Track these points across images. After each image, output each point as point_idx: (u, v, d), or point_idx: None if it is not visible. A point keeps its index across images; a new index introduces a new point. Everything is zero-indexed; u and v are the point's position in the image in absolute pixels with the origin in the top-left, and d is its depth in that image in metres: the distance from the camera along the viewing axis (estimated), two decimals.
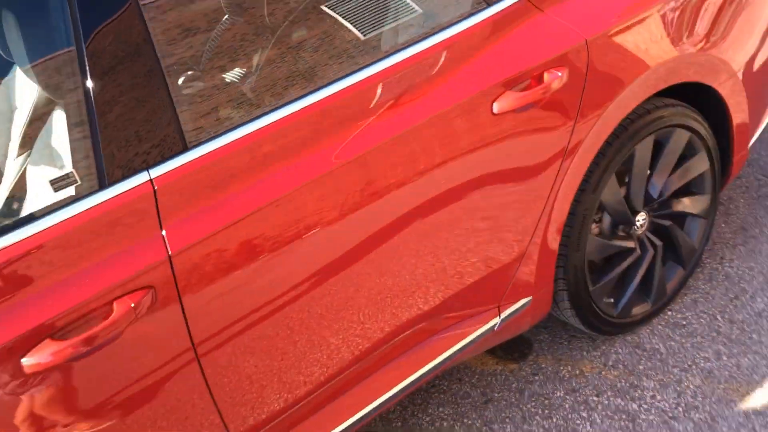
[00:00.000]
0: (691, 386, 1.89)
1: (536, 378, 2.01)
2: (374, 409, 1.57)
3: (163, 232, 1.20)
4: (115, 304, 1.15)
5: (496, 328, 1.74)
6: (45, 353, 1.11)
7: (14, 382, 1.10)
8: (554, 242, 1.75)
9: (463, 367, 2.08)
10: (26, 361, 1.10)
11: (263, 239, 1.28)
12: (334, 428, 1.51)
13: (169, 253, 1.20)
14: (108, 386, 1.19)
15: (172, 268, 1.20)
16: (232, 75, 1.41)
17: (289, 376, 1.42)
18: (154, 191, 1.21)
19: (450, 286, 1.62)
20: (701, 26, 1.80)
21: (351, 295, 1.44)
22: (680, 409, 1.84)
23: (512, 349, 2.12)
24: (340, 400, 1.52)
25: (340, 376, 1.50)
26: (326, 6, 1.47)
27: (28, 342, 1.10)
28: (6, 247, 1.10)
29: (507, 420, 1.91)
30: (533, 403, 1.94)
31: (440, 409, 1.98)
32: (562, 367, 2.03)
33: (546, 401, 1.94)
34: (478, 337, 1.71)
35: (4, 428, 1.11)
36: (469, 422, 1.92)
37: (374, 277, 1.45)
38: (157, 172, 1.22)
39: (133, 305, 1.15)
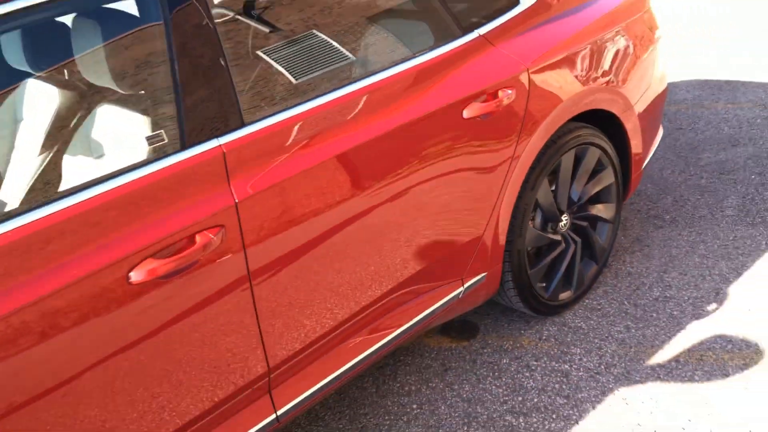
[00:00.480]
0: (609, 351, 2.35)
1: (485, 351, 2.42)
2: (375, 351, 1.92)
3: (231, 186, 1.55)
4: (196, 237, 1.47)
5: (461, 296, 2.14)
6: (146, 269, 1.41)
7: (123, 290, 1.39)
8: (503, 229, 2.20)
9: (423, 345, 2.45)
10: (133, 275, 1.40)
11: (298, 197, 1.64)
12: (346, 363, 1.85)
13: (236, 200, 1.54)
14: (181, 302, 1.49)
15: (237, 212, 1.54)
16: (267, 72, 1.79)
17: (313, 314, 1.76)
18: (224, 154, 1.56)
19: (426, 259, 2.02)
20: (608, 69, 2.37)
21: (361, 252, 1.81)
22: (602, 366, 2.29)
23: (463, 330, 2.52)
24: (347, 342, 1.87)
25: (350, 321, 1.85)
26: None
27: (135, 259, 1.40)
28: (122, 185, 1.41)
29: (465, 382, 2.29)
30: (485, 369, 2.33)
31: (407, 377, 2.33)
32: (504, 342, 2.45)
33: (495, 366, 2.34)
34: (448, 301, 2.10)
35: (111, 330, 1.39)
36: (433, 385, 2.29)
37: (374, 236, 1.83)
38: (225, 139, 1.57)
39: (212, 236, 1.48)
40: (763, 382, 2.12)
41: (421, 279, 2.03)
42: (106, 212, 1.39)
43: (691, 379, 2.18)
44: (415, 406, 2.21)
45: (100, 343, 1.38)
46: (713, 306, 2.50)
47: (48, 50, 1.72)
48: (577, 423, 2.07)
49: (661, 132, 2.96)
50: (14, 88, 1.82)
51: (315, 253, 1.70)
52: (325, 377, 1.83)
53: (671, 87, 4.62)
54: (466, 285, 2.16)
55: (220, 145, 1.56)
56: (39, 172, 1.66)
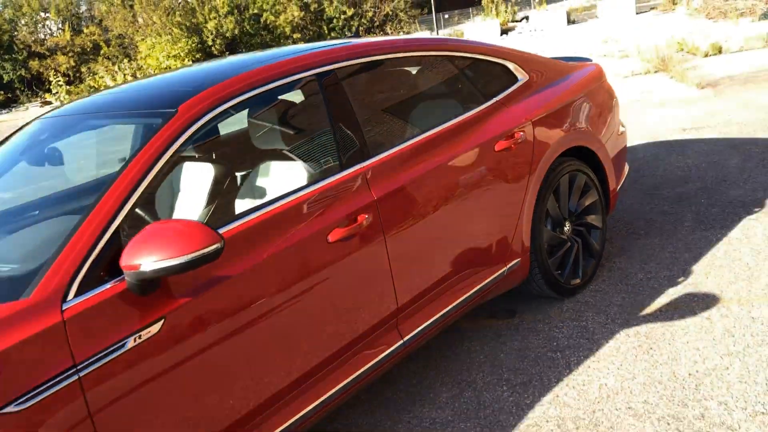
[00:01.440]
0: (612, 311, 3.30)
1: (523, 323, 3.36)
2: (462, 302, 2.88)
3: (371, 190, 2.57)
4: (357, 217, 2.48)
5: (505, 274, 3.12)
6: (337, 233, 2.39)
7: (324, 246, 2.37)
8: (527, 229, 3.22)
9: (478, 326, 3.38)
10: (329, 237, 2.39)
11: (408, 198, 2.66)
12: (444, 308, 2.80)
13: (374, 198, 2.56)
14: (353, 255, 2.46)
15: (377, 205, 2.55)
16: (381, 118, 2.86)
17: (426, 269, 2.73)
18: (364, 173, 2.59)
19: (484, 244, 3.02)
20: (581, 120, 3.49)
21: (447, 234, 2.82)
22: (609, 319, 3.23)
23: (504, 314, 3.47)
24: (445, 294, 2.83)
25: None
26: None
27: (331, 228, 2.39)
28: (314, 190, 2.42)
29: (513, 340, 3.21)
30: (525, 332, 3.26)
31: (472, 343, 3.25)
32: (536, 316, 3.39)
33: (533, 330, 3.27)
34: (498, 276, 3.08)
35: (314, 268, 2.35)
36: (492, 344, 3.21)
37: (433, 247, 2.83)
38: (365, 163, 2.61)
39: (366, 217, 2.49)
40: (721, 316, 3.09)
41: (483, 259, 3.02)
42: (308, 204, 2.39)
43: (671, 319, 3.14)
44: (482, 357, 3.12)
45: (307, 278, 2.33)
46: (681, 278, 3.49)
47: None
48: (596, 351, 2.99)
49: (627, 168, 4.07)
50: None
51: (420, 232, 2.70)
52: (433, 316, 2.77)
53: (633, 148, 5.80)
54: (508, 266, 3.14)
55: (362, 167, 2.59)
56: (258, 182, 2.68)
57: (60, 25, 32.99)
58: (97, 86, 29.36)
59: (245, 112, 2.79)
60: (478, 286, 2.99)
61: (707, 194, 4.60)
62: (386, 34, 30.01)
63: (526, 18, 29.18)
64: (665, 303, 3.29)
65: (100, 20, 32.54)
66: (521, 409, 2.68)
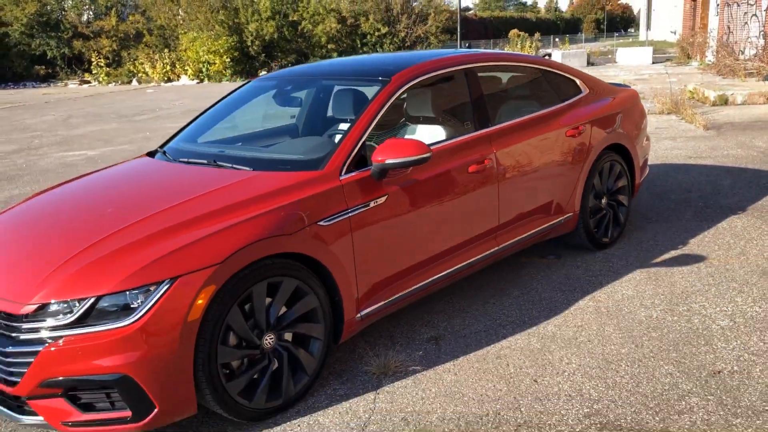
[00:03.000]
0: (632, 259, 4.74)
1: (564, 263, 4.79)
2: (534, 234, 4.31)
3: (492, 146, 4.00)
4: (485, 161, 3.92)
5: (561, 222, 4.56)
6: (473, 168, 3.83)
7: (466, 175, 3.80)
8: (579, 193, 4.65)
9: (534, 262, 4.81)
10: (470, 168, 3.83)
11: (510, 155, 4.10)
12: (523, 234, 4.23)
13: (494, 152, 4.00)
14: (480, 184, 3.89)
15: (495, 155, 3.99)
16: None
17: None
18: (489, 134, 4.03)
19: (550, 200, 4.45)
20: (620, 126, 4.95)
21: (529, 187, 4.25)
22: (634, 265, 4.67)
23: (555, 257, 4.90)
24: (523, 225, 4.26)
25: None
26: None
27: (469, 164, 3.82)
28: (460, 140, 3.86)
29: (559, 273, 4.64)
30: (565, 268, 4.70)
31: (531, 269, 4.68)
32: (573, 260, 4.82)
33: (568, 268, 4.71)
34: (561, 220, 4.51)
35: (461, 186, 3.78)
36: (540, 276, 4.63)
37: (524, 190, 4.26)
38: (489, 129, 4.06)
39: (490, 160, 3.93)
40: (705, 266, 4.51)
41: (550, 208, 4.46)
42: (460, 147, 3.82)
43: (671, 266, 4.57)
44: (540, 275, 4.54)
45: (456, 190, 3.76)
46: (681, 246, 4.92)
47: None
48: (620, 278, 4.39)
49: (647, 170, 5.53)
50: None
51: (517, 179, 4.11)
52: (517, 237, 4.20)
53: (649, 166, 7.26)
54: (564, 217, 4.57)
55: (487, 130, 4.03)
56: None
57: (106, 11, 34.52)
58: (136, 71, 30.91)
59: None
60: (545, 225, 4.42)
61: (704, 200, 6.07)
62: None
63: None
64: (668, 257, 4.73)
65: (144, 10, 34.15)
66: (569, 302, 4.09)
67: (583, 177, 4.63)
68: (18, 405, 2.77)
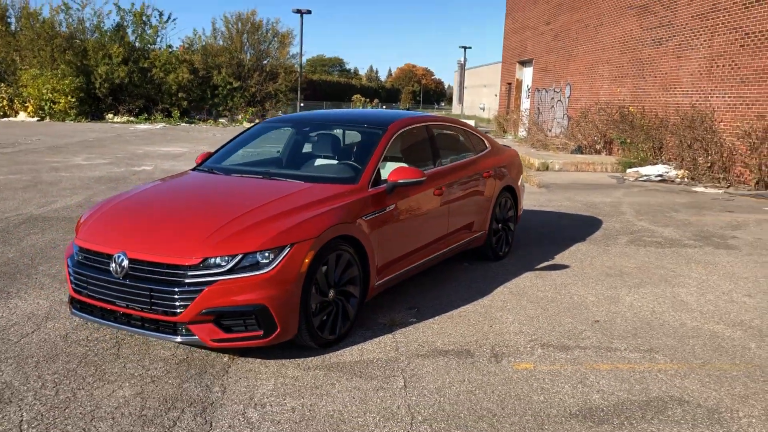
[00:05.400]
0: (519, 266, 6.76)
1: (477, 266, 6.69)
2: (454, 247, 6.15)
3: (443, 179, 5.83)
4: (441, 187, 5.72)
5: (478, 236, 6.46)
6: (437, 192, 5.62)
7: (432, 197, 5.57)
8: (489, 218, 6.59)
9: (456, 268, 6.65)
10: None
11: (452, 187, 5.94)
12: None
13: (444, 183, 5.82)
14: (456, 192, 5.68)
15: (443, 186, 5.82)
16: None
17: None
18: (437, 171, 5.86)
19: (473, 219, 6.33)
20: (509, 172, 7.04)
21: (453, 213, 6.11)
22: (522, 268, 6.67)
23: (473, 261, 6.79)
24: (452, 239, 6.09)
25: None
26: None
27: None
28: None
29: (478, 269, 6.53)
30: (483, 269, 6.60)
31: (458, 272, 6.51)
32: (484, 265, 6.75)
33: (485, 269, 6.61)
34: (475, 237, 6.40)
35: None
36: (466, 272, 6.49)
37: (459, 212, 6.13)
38: (436, 168, 5.89)
39: (442, 190, 5.74)
40: (566, 270, 6.63)
41: (472, 224, 6.34)
42: (430, 178, 5.58)
43: (547, 270, 6.62)
44: (463, 275, 6.37)
45: (430, 207, 5.50)
46: (549, 260, 7.03)
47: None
48: (514, 275, 6.35)
49: (522, 206, 7.67)
50: None
51: (454, 202, 5.95)
52: (455, 243, 6.01)
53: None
54: (480, 232, 6.48)
55: (440, 168, 5.85)
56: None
57: None
58: None
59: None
60: (469, 238, 6.28)
61: (554, 233, 8.34)
62: (265, 109, 33.28)
63: None
64: (544, 265, 6.78)
65: None
66: (491, 289, 5.93)
67: (491, 206, 6.60)
68: (173, 329, 4.02)
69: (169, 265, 3.98)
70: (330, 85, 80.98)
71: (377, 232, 4.79)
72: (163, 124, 30.14)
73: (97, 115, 30.52)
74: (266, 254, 4.01)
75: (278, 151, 6.28)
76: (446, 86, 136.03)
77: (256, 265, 3.99)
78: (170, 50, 31.83)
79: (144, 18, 31.12)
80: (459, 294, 5.71)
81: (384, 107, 37.05)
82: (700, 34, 15.41)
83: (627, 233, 8.49)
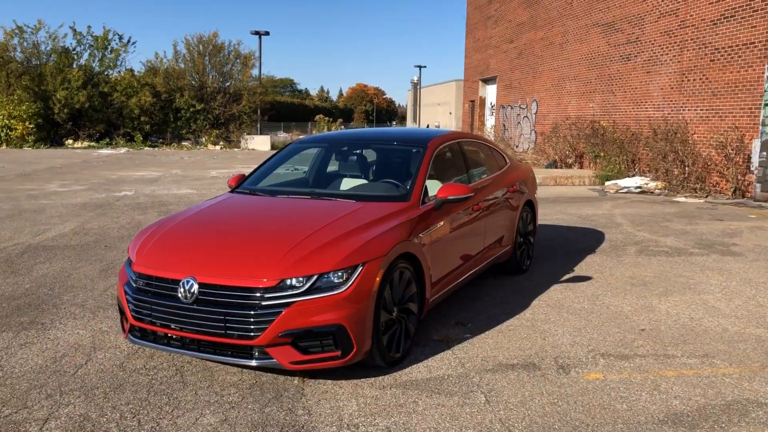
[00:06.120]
0: (547, 277, 6.84)
1: (512, 282, 6.76)
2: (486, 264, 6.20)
3: (478, 195, 5.89)
4: (479, 203, 5.77)
5: (507, 250, 6.53)
6: (476, 207, 5.67)
7: (494, 203, 5.62)
8: (515, 233, 6.69)
9: (491, 281, 6.70)
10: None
11: (486, 203, 6.01)
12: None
13: (480, 198, 5.88)
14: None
15: (480, 201, 5.87)
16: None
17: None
18: (475, 187, 5.91)
19: (503, 233, 6.40)
20: (528, 187, 7.16)
21: (484, 229, 6.18)
22: (549, 281, 6.75)
23: (507, 275, 6.85)
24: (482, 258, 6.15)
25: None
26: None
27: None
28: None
29: (507, 284, 6.59)
30: (516, 282, 6.66)
31: (487, 287, 6.55)
32: (512, 281, 6.81)
33: (515, 282, 6.68)
34: (505, 252, 6.47)
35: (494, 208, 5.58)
36: (506, 283, 6.54)
37: (493, 226, 6.19)
38: (471, 184, 5.95)
39: (480, 206, 5.79)
40: (590, 281, 6.74)
41: (502, 240, 6.40)
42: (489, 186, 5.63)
43: (571, 282, 6.72)
44: (502, 283, 6.42)
45: (471, 222, 5.54)
46: (571, 272, 7.15)
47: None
48: (543, 287, 6.42)
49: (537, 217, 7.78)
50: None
51: (488, 217, 6.02)
52: (489, 258, 6.06)
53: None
54: (507, 247, 6.56)
55: (475, 183, 5.91)
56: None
57: None
58: None
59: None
60: (499, 252, 6.35)
61: (565, 247, 8.47)
62: (229, 131, 32.99)
63: None
64: (568, 278, 6.88)
65: None
66: (527, 303, 5.97)
67: (516, 220, 6.68)
68: (248, 354, 3.94)
69: (244, 288, 3.91)
70: (284, 105, 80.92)
71: (429, 248, 4.80)
72: (126, 148, 29.58)
73: (56, 141, 29.78)
74: (340, 274, 3.99)
75: (305, 172, 6.24)
76: (398, 105, 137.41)
77: (332, 285, 3.96)
78: (132, 73, 31.35)
79: (105, 42, 30.61)
80: (499, 309, 5.75)
81: (343, 127, 37.18)
82: (669, 50, 15.96)
83: (632, 243, 8.69)
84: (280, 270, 3.92)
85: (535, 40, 24.56)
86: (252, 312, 3.87)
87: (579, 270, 7.17)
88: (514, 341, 4.92)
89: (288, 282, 3.91)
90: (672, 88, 15.83)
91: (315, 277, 3.93)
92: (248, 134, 32.86)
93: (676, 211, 11.75)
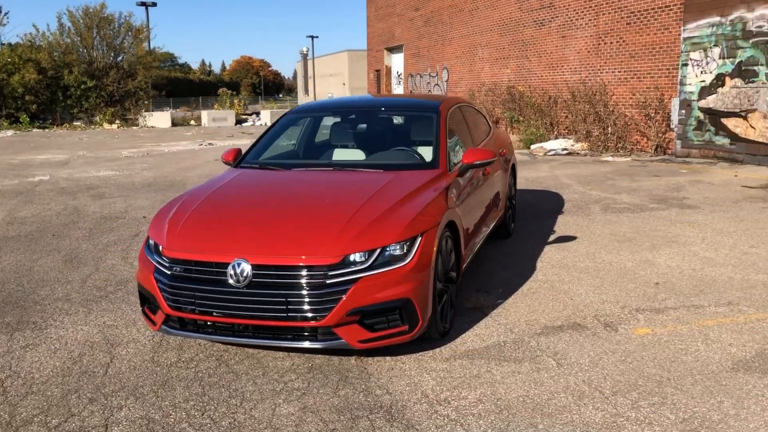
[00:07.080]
0: (534, 239, 6.89)
1: (508, 246, 6.75)
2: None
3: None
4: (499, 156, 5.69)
5: (502, 214, 6.51)
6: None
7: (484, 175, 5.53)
8: (506, 194, 6.68)
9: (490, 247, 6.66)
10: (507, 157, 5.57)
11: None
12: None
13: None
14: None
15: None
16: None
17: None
18: (488, 142, 5.82)
19: (499, 199, 6.37)
20: (507, 149, 7.16)
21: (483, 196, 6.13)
22: (539, 242, 6.80)
23: (501, 237, 6.83)
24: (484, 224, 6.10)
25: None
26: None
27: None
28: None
29: (504, 245, 6.58)
30: (506, 245, 6.66)
31: (486, 252, 6.52)
32: (504, 245, 6.81)
33: (507, 244, 6.68)
34: (502, 213, 6.45)
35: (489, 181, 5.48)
36: (503, 255, 6.52)
37: (494, 188, 6.14)
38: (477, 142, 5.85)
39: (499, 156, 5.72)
40: (575, 239, 6.86)
41: (500, 204, 6.37)
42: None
43: (561, 242, 6.81)
44: (502, 260, 6.40)
45: (493, 176, 5.46)
46: (553, 233, 7.24)
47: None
48: (536, 247, 6.48)
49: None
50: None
51: (490, 179, 5.96)
52: (495, 218, 6.01)
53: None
54: (501, 211, 6.54)
55: (477, 145, 5.82)
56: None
57: None
58: None
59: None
60: (498, 216, 6.32)
61: (528, 207, 8.59)
62: (126, 109, 31.16)
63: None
64: (555, 238, 6.96)
65: None
66: (533, 265, 5.99)
67: (507, 184, 6.67)
68: (313, 335, 3.69)
69: (307, 267, 3.64)
70: (169, 81, 77.78)
71: (461, 215, 4.69)
72: (13, 131, 27.26)
73: None
74: (402, 246, 3.79)
75: (294, 143, 5.92)
76: (285, 77, 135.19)
77: (394, 258, 3.76)
78: (12, 48, 28.82)
79: None
80: (508, 272, 5.73)
81: (237, 101, 36.16)
82: (584, 14, 16.45)
83: (592, 202, 8.93)
84: (341, 245, 3.68)
85: (443, 7, 24.67)
86: (317, 292, 3.61)
87: (559, 231, 7.27)
88: (545, 303, 4.90)
89: (351, 258, 3.67)
90: (589, 51, 16.36)
91: (378, 251, 3.71)
92: (146, 111, 31.18)
93: (612, 170, 12.21)
